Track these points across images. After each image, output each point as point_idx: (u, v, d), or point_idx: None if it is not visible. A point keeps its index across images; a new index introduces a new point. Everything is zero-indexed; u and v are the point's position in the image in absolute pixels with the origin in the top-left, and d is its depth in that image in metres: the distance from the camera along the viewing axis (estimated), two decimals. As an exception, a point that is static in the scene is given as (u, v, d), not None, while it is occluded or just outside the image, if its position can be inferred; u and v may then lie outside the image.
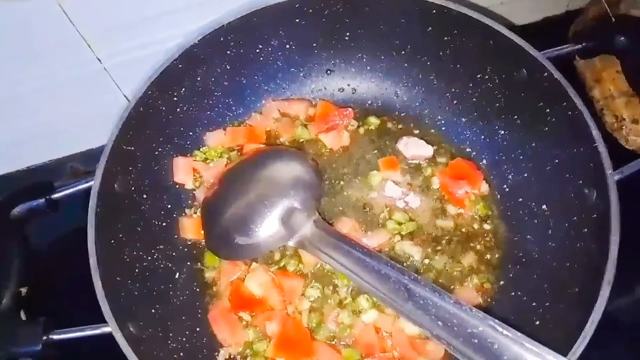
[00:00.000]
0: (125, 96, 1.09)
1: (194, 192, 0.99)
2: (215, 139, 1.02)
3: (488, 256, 0.92)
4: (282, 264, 0.92)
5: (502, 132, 0.98)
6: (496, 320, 0.69)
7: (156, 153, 0.95)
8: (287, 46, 1.03)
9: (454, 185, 0.97)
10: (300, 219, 0.88)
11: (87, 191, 0.83)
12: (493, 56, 0.93)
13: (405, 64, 1.04)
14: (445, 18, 0.93)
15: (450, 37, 0.96)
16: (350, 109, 1.05)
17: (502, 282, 0.90)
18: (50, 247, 1.06)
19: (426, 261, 0.92)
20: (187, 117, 0.99)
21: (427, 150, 1.01)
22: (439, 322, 0.72)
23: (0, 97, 0.99)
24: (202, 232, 0.94)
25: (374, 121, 1.05)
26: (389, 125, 1.05)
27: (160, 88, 0.92)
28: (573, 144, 0.84)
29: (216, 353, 0.87)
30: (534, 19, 1.27)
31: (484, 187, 0.97)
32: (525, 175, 0.94)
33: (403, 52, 1.03)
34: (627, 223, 0.74)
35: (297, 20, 0.99)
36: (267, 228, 0.88)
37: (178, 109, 0.97)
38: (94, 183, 0.82)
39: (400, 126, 1.05)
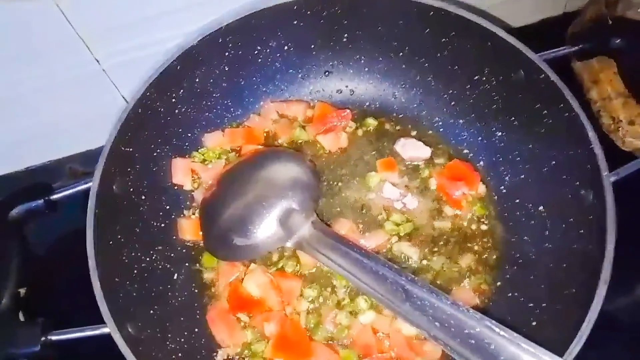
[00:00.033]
0: (123, 97, 1.09)
1: (193, 193, 0.99)
2: (214, 140, 1.02)
3: (485, 257, 0.93)
4: (280, 265, 0.92)
5: (500, 133, 0.98)
6: (493, 321, 0.69)
7: (154, 154, 0.95)
8: (286, 48, 1.03)
9: (452, 187, 0.97)
10: (298, 220, 0.88)
11: (86, 192, 0.83)
12: (490, 58, 0.94)
13: (403, 66, 1.04)
14: (443, 20, 0.94)
15: (448, 38, 0.97)
16: (348, 111, 1.05)
17: (499, 283, 0.90)
18: (49, 248, 1.07)
19: (424, 262, 0.92)
20: (186, 118, 0.99)
21: (425, 151, 1.01)
22: (436, 323, 0.72)
23: (-1, 98, 0.99)
24: (201, 233, 0.94)
25: (371, 122, 1.05)
26: (387, 126, 1.06)
27: (159, 89, 0.92)
28: (570, 145, 0.84)
29: (214, 354, 0.87)
30: (532, 21, 1.28)
31: (481, 189, 0.98)
32: (523, 176, 0.94)
33: (401, 54, 1.03)
34: (623, 224, 0.74)
35: (296, 22, 0.99)
36: (266, 229, 0.88)
37: (176, 110, 0.97)
38: (93, 184, 0.82)
39: (398, 127, 1.05)
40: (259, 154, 1.00)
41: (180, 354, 0.83)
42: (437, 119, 1.05)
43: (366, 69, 1.07)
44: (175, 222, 0.96)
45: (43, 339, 0.76)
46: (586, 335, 0.69)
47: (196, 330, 0.88)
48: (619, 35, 0.99)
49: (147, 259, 0.89)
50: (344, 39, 1.03)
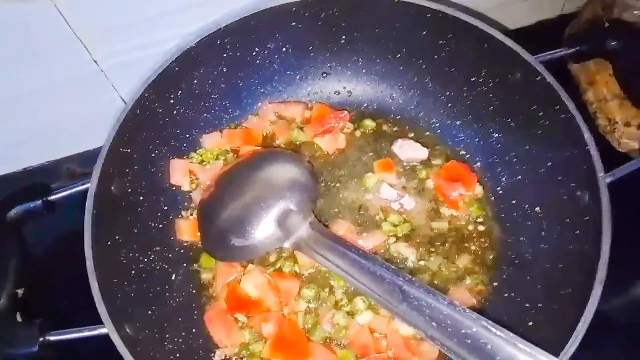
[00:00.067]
0: (122, 98, 1.09)
1: (191, 194, 0.99)
2: (212, 141, 1.02)
3: (482, 257, 0.93)
4: (278, 266, 0.92)
5: (496, 134, 0.98)
6: (489, 321, 0.70)
7: (153, 155, 0.96)
8: (284, 49, 1.03)
9: (449, 187, 0.97)
10: (296, 220, 0.89)
11: (84, 193, 0.83)
12: (488, 60, 0.94)
13: (401, 67, 1.05)
14: (440, 22, 0.94)
15: (445, 40, 0.97)
16: (346, 112, 1.06)
17: (495, 284, 0.90)
18: (47, 249, 1.07)
19: (421, 262, 0.92)
20: (184, 119, 0.99)
21: (422, 152, 1.01)
22: (433, 323, 0.73)
23: (-1, 98, 0.99)
24: (199, 233, 0.95)
25: (369, 124, 1.06)
26: (385, 127, 1.06)
27: (157, 90, 0.92)
28: (566, 146, 0.85)
29: (212, 354, 0.87)
30: (529, 23, 1.28)
31: (478, 189, 0.98)
32: (519, 177, 0.95)
33: (398, 56, 1.03)
34: (619, 224, 0.75)
35: (294, 24, 0.99)
36: (263, 230, 0.89)
37: (175, 111, 0.97)
38: (91, 185, 0.82)
39: (395, 129, 1.06)
40: (257, 154, 1.00)
41: (178, 355, 0.83)
42: (434, 120, 1.05)
43: (364, 71, 1.07)
44: (173, 223, 0.97)
45: (41, 339, 0.76)
46: (582, 335, 0.69)
47: (194, 330, 0.88)
48: (615, 37, 1.00)
49: (145, 259, 0.89)
50: (342, 41, 1.04)
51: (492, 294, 0.90)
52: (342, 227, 0.94)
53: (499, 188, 0.98)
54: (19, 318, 0.81)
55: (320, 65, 1.07)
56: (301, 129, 1.05)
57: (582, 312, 0.70)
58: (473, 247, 0.94)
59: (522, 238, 0.92)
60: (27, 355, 0.75)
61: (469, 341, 0.70)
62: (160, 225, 0.95)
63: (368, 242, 0.94)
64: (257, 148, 1.03)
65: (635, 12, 1.08)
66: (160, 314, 0.85)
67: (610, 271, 0.72)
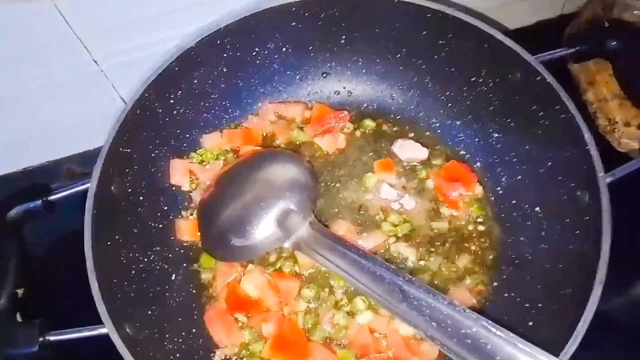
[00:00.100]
0: (122, 98, 1.09)
1: (191, 194, 0.99)
2: (212, 141, 1.02)
3: (482, 257, 0.93)
4: (278, 266, 0.92)
5: (496, 134, 0.98)
6: (489, 321, 0.70)
7: (153, 155, 0.96)
8: (284, 49, 1.03)
9: (449, 187, 0.97)
10: (296, 220, 0.89)
11: (84, 193, 0.83)
12: (487, 60, 0.94)
13: (401, 67, 1.05)
14: (440, 22, 0.94)
15: (445, 40, 0.97)
16: (346, 112, 1.06)
17: (495, 284, 0.91)
18: (47, 249, 1.07)
19: (421, 262, 0.92)
20: (184, 119, 0.99)
21: (422, 152, 1.02)
22: (433, 323, 0.73)
23: (-2, 98, 0.99)
24: (199, 233, 0.95)
25: (369, 124, 1.06)
26: (385, 127, 1.06)
27: (157, 90, 0.92)
28: (566, 146, 0.85)
29: (212, 354, 0.87)
30: (529, 23, 1.28)
31: (478, 189, 0.98)
32: (519, 177, 0.95)
33: (398, 56, 1.03)
34: (619, 224, 0.75)
35: (294, 24, 0.99)
36: (263, 230, 0.89)
37: (175, 111, 0.97)
38: (91, 185, 0.82)
39: (395, 129, 1.06)
40: (257, 154, 1.00)
41: (178, 355, 0.83)
42: (434, 120, 1.05)
43: (364, 71, 1.08)
44: (173, 223, 0.97)
45: (41, 339, 0.76)
46: (582, 335, 0.70)
47: (194, 330, 0.88)
48: (615, 37, 1.00)
49: (145, 259, 0.89)
50: (342, 41, 1.04)
51: (492, 294, 0.90)
52: (342, 227, 0.94)
53: (499, 188, 0.98)
54: (19, 318, 0.81)
55: (320, 65, 1.07)
56: (301, 129, 1.05)
57: (582, 312, 0.70)
58: (473, 247, 0.94)
59: (522, 238, 0.92)
60: (27, 355, 0.75)
61: (469, 341, 0.70)
62: (160, 225, 0.95)
63: (368, 242, 0.94)
64: (257, 148, 1.03)
65: (635, 12, 1.08)
66: (160, 314, 0.85)
67: (610, 271, 0.72)
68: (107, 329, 0.73)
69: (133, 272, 0.86)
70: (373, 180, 0.99)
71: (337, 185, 1.00)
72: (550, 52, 0.96)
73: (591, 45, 1.02)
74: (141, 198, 0.92)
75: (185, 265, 0.94)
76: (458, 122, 1.03)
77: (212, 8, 0.98)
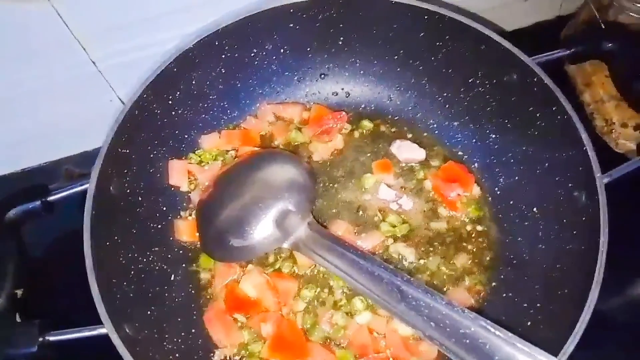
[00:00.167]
0: (120, 99, 1.09)
1: (189, 194, 0.99)
2: (210, 142, 1.02)
3: (480, 258, 0.93)
4: (277, 266, 0.92)
5: (494, 135, 0.99)
6: (488, 321, 0.70)
7: (151, 156, 0.96)
8: (282, 50, 1.03)
9: (446, 188, 0.98)
10: (295, 221, 0.89)
11: (83, 194, 0.82)
12: (484, 61, 0.95)
13: (398, 69, 1.05)
14: (437, 24, 0.94)
15: (442, 42, 0.98)
16: (344, 113, 1.06)
17: (494, 284, 0.91)
18: (46, 249, 1.06)
19: (420, 262, 0.93)
20: (182, 120, 0.99)
21: (420, 153, 1.02)
22: (432, 323, 0.73)
23: (-4, 99, 0.99)
24: (197, 234, 0.95)
25: (367, 125, 1.06)
26: (383, 128, 1.06)
27: (156, 91, 0.92)
28: (563, 147, 0.85)
29: (211, 354, 0.87)
30: (526, 24, 1.29)
31: (476, 190, 0.98)
32: (516, 178, 0.95)
33: (396, 57, 1.04)
34: (616, 225, 0.75)
35: (292, 25, 0.99)
36: (262, 230, 0.89)
37: (173, 112, 0.97)
38: (90, 185, 0.82)
39: (393, 129, 1.06)
40: (255, 155, 1.00)
41: (177, 355, 0.83)
42: (432, 121, 1.06)
43: (362, 72, 1.08)
44: (172, 223, 0.97)
45: (40, 339, 0.76)
46: (580, 335, 0.70)
47: (193, 330, 0.88)
48: (611, 39, 1.00)
49: (144, 259, 0.89)
50: (340, 42, 1.04)
51: (490, 294, 0.90)
52: (340, 228, 0.95)
53: (496, 189, 0.98)
54: (18, 318, 0.82)
55: (318, 67, 1.08)
56: (299, 129, 1.06)
57: (580, 311, 0.71)
58: (471, 248, 0.94)
59: (519, 238, 0.92)
60: (27, 355, 0.75)
61: (468, 341, 0.70)
62: (159, 226, 0.95)
63: (366, 242, 0.94)
64: (256, 149, 1.03)
65: (630, 14, 1.09)
66: (160, 314, 0.85)
67: (608, 271, 0.72)
68: (106, 329, 0.73)
69: (132, 272, 0.86)
70: (371, 180, 1.00)
71: (336, 185, 1.01)
72: (547, 53, 0.96)
73: (587, 47, 1.02)
74: (140, 198, 0.92)
75: (184, 265, 0.94)
76: (455, 123, 1.03)
77: (211, 9, 0.98)
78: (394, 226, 0.95)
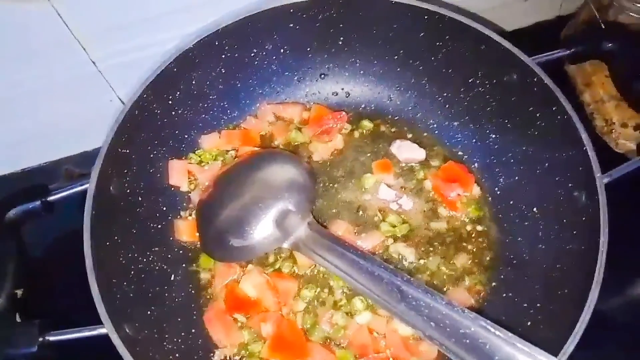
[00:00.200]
0: (120, 99, 1.09)
1: (189, 194, 0.99)
2: (210, 142, 1.02)
3: (480, 258, 0.93)
4: (277, 266, 0.92)
5: (494, 135, 0.99)
6: (488, 321, 0.70)
7: (151, 156, 0.96)
8: (282, 50, 1.03)
9: (446, 188, 0.98)
10: (295, 221, 0.89)
11: (83, 194, 0.82)
12: (484, 61, 0.95)
13: (398, 69, 1.05)
14: (437, 24, 0.94)
15: (442, 42, 0.98)
16: (344, 113, 1.06)
17: (494, 284, 0.91)
18: (46, 249, 1.06)
19: (420, 262, 0.93)
20: (182, 120, 0.99)
21: (420, 153, 1.02)
22: (432, 323, 0.73)
23: (-4, 99, 0.99)
24: (197, 234, 0.95)
25: (367, 125, 1.06)
26: (383, 128, 1.06)
27: (156, 91, 0.92)
28: (563, 147, 0.85)
29: (211, 354, 0.87)
30: (526, 24, 1.29)
31: (476, 190, 0.98)
32: (516, 178, 0.95)
33: (396, 57, 1.04)
34: (616, 225, 0.75)
35: (292, 25, 0.99)
36: (262, 230, 0.89)
37: (173, 112, 0.97)
38: (90, 185, 0.82)
39: (393, 130, 1.06)
40: (255, 155, 1.00)
41: (177, 355, 0.83)
42: (431, 121, 1.06)
43: (362, 72, 1.08)
44: (172, 223, 0.97)
45: (40, 339, 0.76)
46: (580, 335, 0.70)
47: (193, 330, 0.88)
48: (611, 39, 1.00)
49: (144, 259, 0.89)
50: (340, 42, 1.04)
51: (490, 294, 0.90)
52: (340, 228, 0.95)
53: (496, 189, 0.98)
54: (18, 318, 0.82)
55: (318, 67, 1.08)
56: (299, 129, 1.06)
57: (580, 312, 0.71)
58: (471, 248, 0.94)
59: (519, 238, 0.92)
60: (27, 355, 0.75)
61: (468, 341, 0.70)
62: (159, 226, 0.95)
63: (366, 242, 0.94)
64: (256, 149, 1.03)
65: (630, 14, 1.09)
66: (160, 314, 0.85)
67: (608, 271, 0.72)
68: (106, 329, 0.73)
69: (132, 272, 0.86)
70: (371, 180, 1.00)
71: (336, 185, 1.01)
72: (547, 53, 0.96)
73: (587, 47, 1.02)
74: (140, 198, 0.92)
75: (184, 265, 0.94)
76: (455, 123, 1.04)
77: (211, 9, 0.98)
78: (394, 226, 0.95)
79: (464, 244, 0.95)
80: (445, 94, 1.04)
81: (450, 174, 0.99)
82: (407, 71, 1.05)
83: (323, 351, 0.85)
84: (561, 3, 1.26)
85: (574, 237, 0.82)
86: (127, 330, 0.76)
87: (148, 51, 1.00)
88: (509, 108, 0.95)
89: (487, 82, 0.97)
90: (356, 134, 1.06)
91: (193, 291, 0.92)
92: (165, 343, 0.83)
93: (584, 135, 0.81)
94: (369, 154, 1.03)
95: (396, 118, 1.07)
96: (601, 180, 0.78)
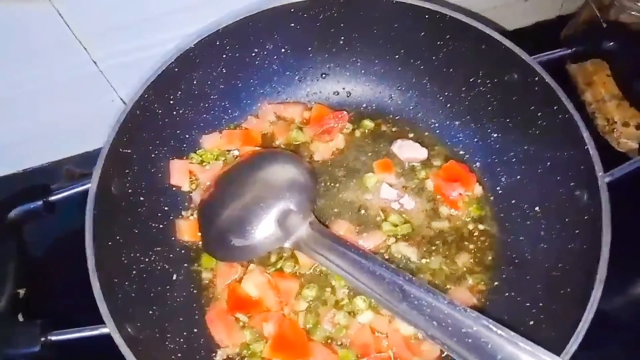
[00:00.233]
0: (121, 99, 1.09)
1: (191, 194, 0.99)
2: (211, 142, 1.02)
3: (482, 257, 0.93)
4: (278, 266, 0.92)
5: (495, 135, 0.99)
6: (490, 320, 0.70)
7: (152, 156, 0.96)
8: (283, 50, 1.03)
9: (448, 187, 0.98)
10: (296, 220, 0.89)
11: (84, 193, 0.82)
12: (485, 60, 0.95)
13: (399, 68, 1.05)
14: (438, 23, 0.94)
15: (443, 41, 0.98)
16: (345, 112, 1.06)
17: (496, 283, 0.91)
18: (48, 249, 1.06)
19: (422, 261, 0.93)
20: (183, 120, 0.99)
21: (422, 152, 1.02)
22: (434, 322, 0.73)
23: (-2, 99, 0.99)
24: (199, 234, 0.95)
25: (368, 124, 1.06)
26: (384, 128, 1.06)
27: (157, 91, 0.92)
28: (565, 146, 0.85)
29: (213, 354, 0.87)
30: (527, 24, 1.29)
31: (477, 189, 0.98)
32: (518, 177, 0.95)
33: (397, 56, 1.04)
34: (618, 224, 0.75)
35: (293, 25, 0.99)
36: (263, 230, 0.89)
37: (174, 112, 0.97)
38: (91, 185, 0.82)
39: (394, 129, 1.06)
40: (256, 155, 1.00)
41: (179, 354, 0.83)
42: (433, 120, 1.05)
43: (363, 72, 1.08)
44: (174, 223, 0.97)
45: (42, 339, 0.76)
46: (583, 335, 0.70)
47: (195, 330, 0.88)
48: (612, 38, 1.00)
49: (146, 259, 0.89)
50: (341, 42, 1.04)
51: (492, 293, 0.90)
52: (342, 228, 0.95)
53: (498, 188, 0.98)
54: (20, 318, 0.82)
55: (319, 66, 1.08)
56: (300, 129, 1.06)
57: (582, 311, 0.71)
58: (473, 247, 0.94)
59: (521, 238, 0.92)
60: (29, 355, 0.75)
61: (470, 340, 0.70)
62: (161, 226, 0.95)
63: (368, 242, 0.94)
64: (257, 148, 1.03)
65: (632, 13, 1.09)
66: (162, 313, 0.85)
67: (610, 270, 0.72)
68: (108, 328, 0.73)
69: (134, 272, 0.86)
70: (373, 180, 1.00)
71: (337, 185, 1.01)
72: (548, 52, 0.96)
73: (588, 46, 1.02)
74: (141, 198, 0.92)
75: (186, 265, 0.94)
76: (457, 123, 1.03)
77: (212, 9, 0.98)
78: (396, 226, 0.95)
79: (466, 244, 0.94)
80: (446, 94, 1.04)
81: (451, 173, 0.99)
82: (408, 70, 1.05)
83: (325, 351, 0.85)
84: (562, 3, 1.26)
85: (576, 237, 0.82)
86: (129, 330, 0.76)
87: (149, 51, 1.01)
88: (510, 107, 0.95)
89: (488, 81, 0.97)
90: (357, 133, 1.06)
91: (195, 291, 0.92)
92: (167, 343, 0.83)
93: (586, 134, 0.81)
94: (370, 154, 1.03)
95: (397, 117, 1.07)
96: (603, 179, 0.78)
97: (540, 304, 0.82)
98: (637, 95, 1.02)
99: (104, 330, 0.73)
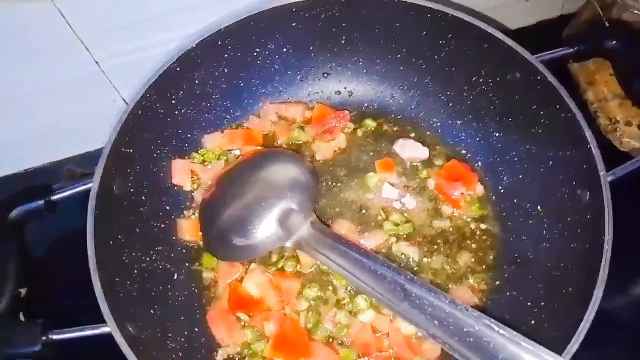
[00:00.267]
0: (123, 99, 1.09)
1: (192, 193, 0.99)
2: (213, 141, 1.02)
3: (484, 256, 0.93)
4: (279, 265, 0.92)
5: (497, 134, 0.99)
6: (492, 319, 0.70)
7: (154, 155, 0.96)
8: (284, 50, 1.03)
9: (450, 187, 0.98)
10: (297, 220, 0.89)
11: (86, 193, 0.83)
12: (487, 59, 0.94)
13: (401, 67, 1.05)
14: (440, 22, 0.94)
15: (445, 40, 0.97)
16: (346, 112, 1.06)
17: (497, 282, 0.91)
18: (49, 249, 1.06)
19: (424, 261, 0.93)
20: (185, 119, 0.99)
21: (423, 152, 1.02)
22: (435, 322, 0.73)
23: (-1, 99, 1.00)
24: (200, 233, 0.95)
25: (370, 123, 1.06)
26: (385, 127, 1.06)
27: (158, 91, 0.92)
28: (567, 145, 0.85)
29: (214, 353, 0.87)
30: (529, 23, 1.29)
31: (479, 189, 0.98)
32: (520, 176, 0.95)
33: (398, 56, 1.04)
34: (620, 223, 0.75)
35: (294, 24, 0.99)
36: (265, 229, 0.89)
37: (176, 112, 0.97)
38: (93, 185, 0.82)
39: (396, 128, 1.06)
40: (258, 154, 1.00)
41: (180, 354, 0.83)
42: (435, 119, 1.05)
43: (364, 71, 1.08)
44: (175, 223, 0.97)
45: (44, 338, 0.76)
46: (584, 334, 0.70)
47: (196, 329, 0.88)
48: (614, 37, 1.00)
49: (147, 259, 0.89)
50: (342, 41, 1.04)
51: (494, 292, 0.90)
52: (343, 227, 0.95)
53: (500, 187, 0.98)
54: (21, 317, 0.82)
55: (320, 66, 1.08)
56: (302, 129, 1.05)
57: (584, 310, 0.71)
58: (474, 246, 0.94)
59: (523, 237, 0.92)
60: (30, 354, 0.75)
61: (471, 339, 0.70)
62: (162, 225, 0.95)
63: (370, 241, 0.94)
64: (258, 148, 1.03)
65: (635, 12, 1.08)
66: (163, 313, 0.85)
67: (612, 270, 0.72)
68: (109, 327, 0.73)
69: (135, 271, 0.86)
70: (374, 179, 1.00)
71: (339, 184, 1.01)
72: (550, 51, 0.96)
73: (591, 45, 1.02)
74: (143, 198, 0.92)
75: (187, 264, 0.94)
76: (459, 122, 1.03)
77: (213, 9, 0.98)
78: (397, 225, 0.95)
79: (468, 243, 0.94)
80: (448, 93, 1.04)
81: (453, 172, 0.99)
82: (410, 70, 1.04)
83: (326, 350, 0.85)
84: (564, 2, 1.26)
85: (577, 236, 0.82)
86: (130, 329, 0.76)
87: (151, 51, 1.01)
88: (512, 106, 0.95)
89: (490, 80, 0.96)
90: (359, 132, 1.05)
91: (196, 290, 0.92)
92: (168, 342, 0.83)
93: (588, 133, 0.81)
94: (371, 153, 1.03)
95: (399, 117, 1.07)
96: (605, 178, 0.78)
97: (542, 304, 0.82)
98: (639, 94, 1.01)
99: (105, 329, 0.74)
